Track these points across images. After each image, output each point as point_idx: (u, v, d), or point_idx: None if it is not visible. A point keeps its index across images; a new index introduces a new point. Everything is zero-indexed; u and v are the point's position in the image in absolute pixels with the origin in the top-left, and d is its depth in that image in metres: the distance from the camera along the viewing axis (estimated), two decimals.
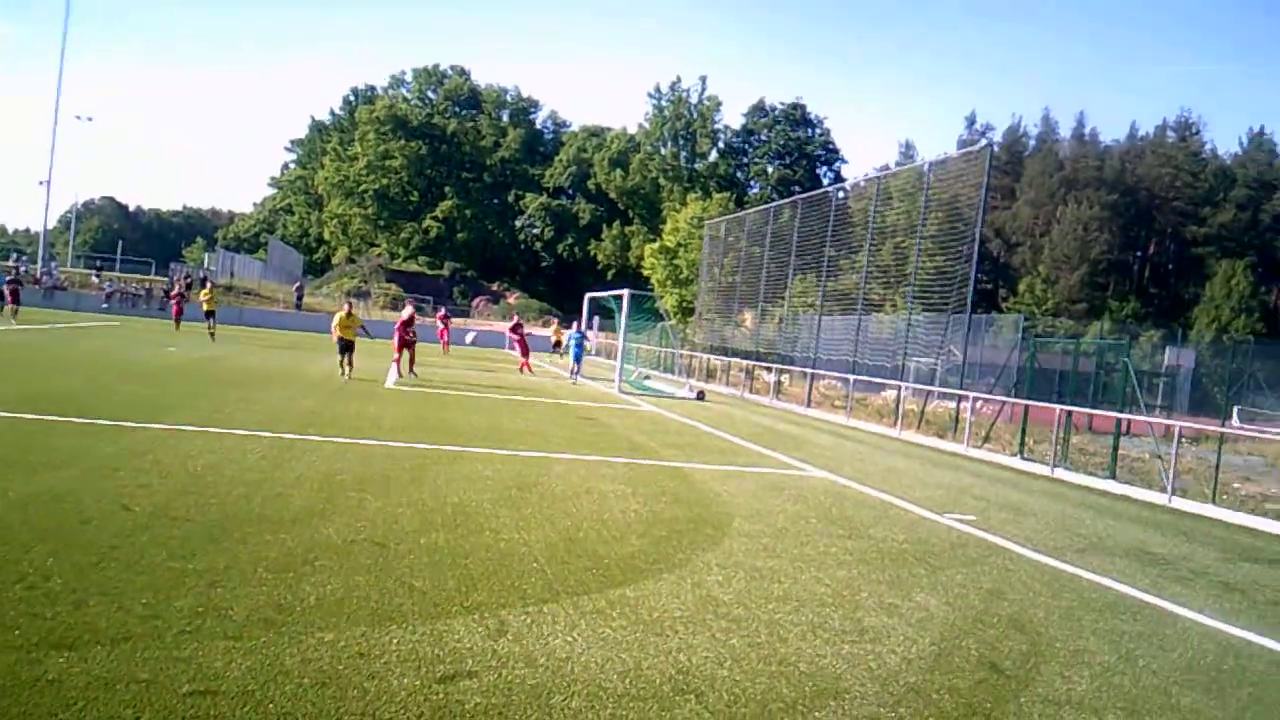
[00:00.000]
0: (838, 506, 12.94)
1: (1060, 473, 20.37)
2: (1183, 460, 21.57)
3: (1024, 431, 23.06)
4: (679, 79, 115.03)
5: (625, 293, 35.50)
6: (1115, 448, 20.51)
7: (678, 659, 6.11)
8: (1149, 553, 11.86)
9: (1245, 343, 69.82)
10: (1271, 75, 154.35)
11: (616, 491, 12.20)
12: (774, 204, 49.55)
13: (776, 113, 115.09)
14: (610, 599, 7.32)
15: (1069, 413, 22.38)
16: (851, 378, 32.99)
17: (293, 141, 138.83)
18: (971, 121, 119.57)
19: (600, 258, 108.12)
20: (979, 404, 26.78)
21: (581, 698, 5.33)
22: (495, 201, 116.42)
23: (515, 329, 40.09)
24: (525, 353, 37.91)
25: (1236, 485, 20.04)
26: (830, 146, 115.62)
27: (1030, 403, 23.41)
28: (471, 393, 25.41)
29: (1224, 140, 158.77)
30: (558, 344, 36.88)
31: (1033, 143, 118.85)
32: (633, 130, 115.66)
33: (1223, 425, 22.58)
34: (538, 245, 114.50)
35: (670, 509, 11.42)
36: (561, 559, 8.39)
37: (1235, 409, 54.42)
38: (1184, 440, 24.09)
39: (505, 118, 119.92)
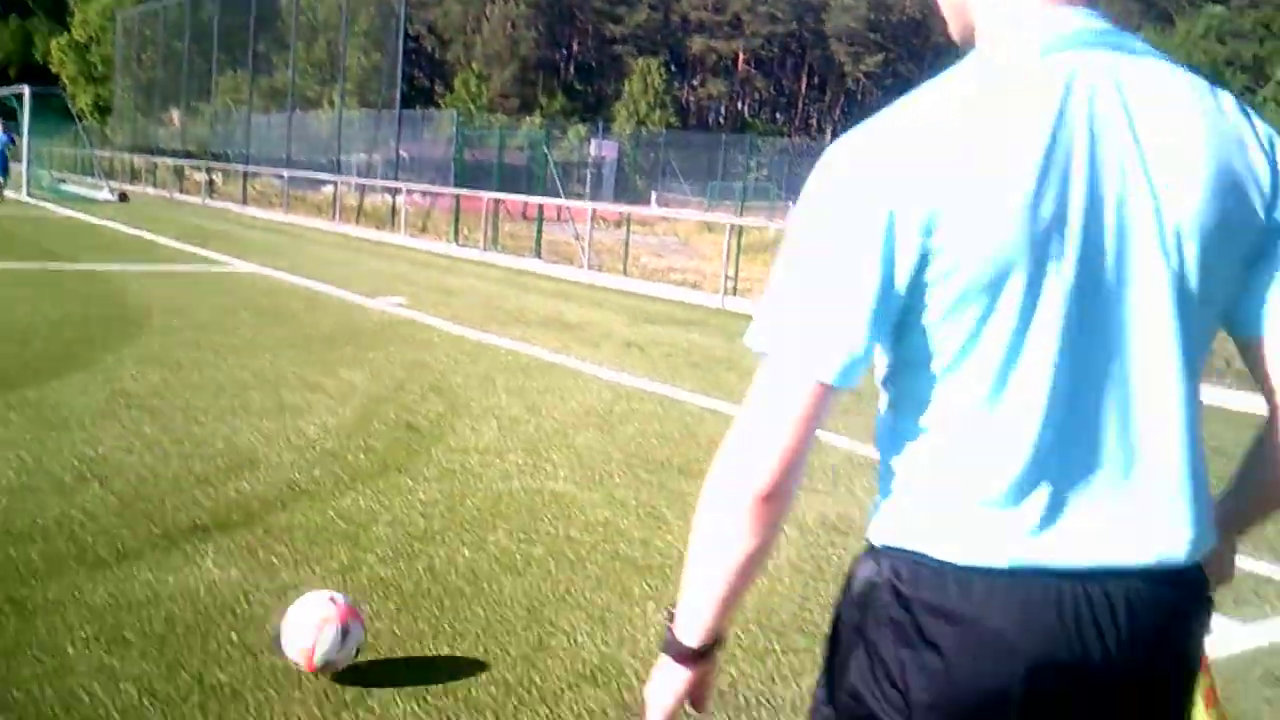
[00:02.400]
0: (268, 298, 12.79)
1: (491, 256, 21.34)
2: (603, 241, 23.34)
3: (457, 219, 23.81)
4: None
5: (25, 89, 31.94)
6: (539, 230, 21.78)
7: (82, 450, 5.88)
8: (563, 321, 12.86)
9: (661, 134, 75.85)
10: None
11: (21, 296, 11.26)
12: None
13: None
14: (9, 401, 6.85)
15: (498, 201, 23.36)
16: (287, 173, 32.13)
17: None
18: None
19: None
20: (416, 196, 27.21)
21: None
22: None
23: None
24: None
25: (646, 259, 22.03)
26: None
27: (462, 192, 24.15)
28: None
29: None
30: None
31: None
32: None
33: (631, 207, 24.59)
34: None
35: (83, 310, 10.76)
36: None
37: (653, 194, 59.36)
38: (606, 223, 26.02)
39: None
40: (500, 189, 25.00)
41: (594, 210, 21.52)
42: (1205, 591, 1.41)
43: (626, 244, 20.23)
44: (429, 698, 3.45)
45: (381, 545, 4.79)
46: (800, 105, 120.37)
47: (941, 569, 1.31)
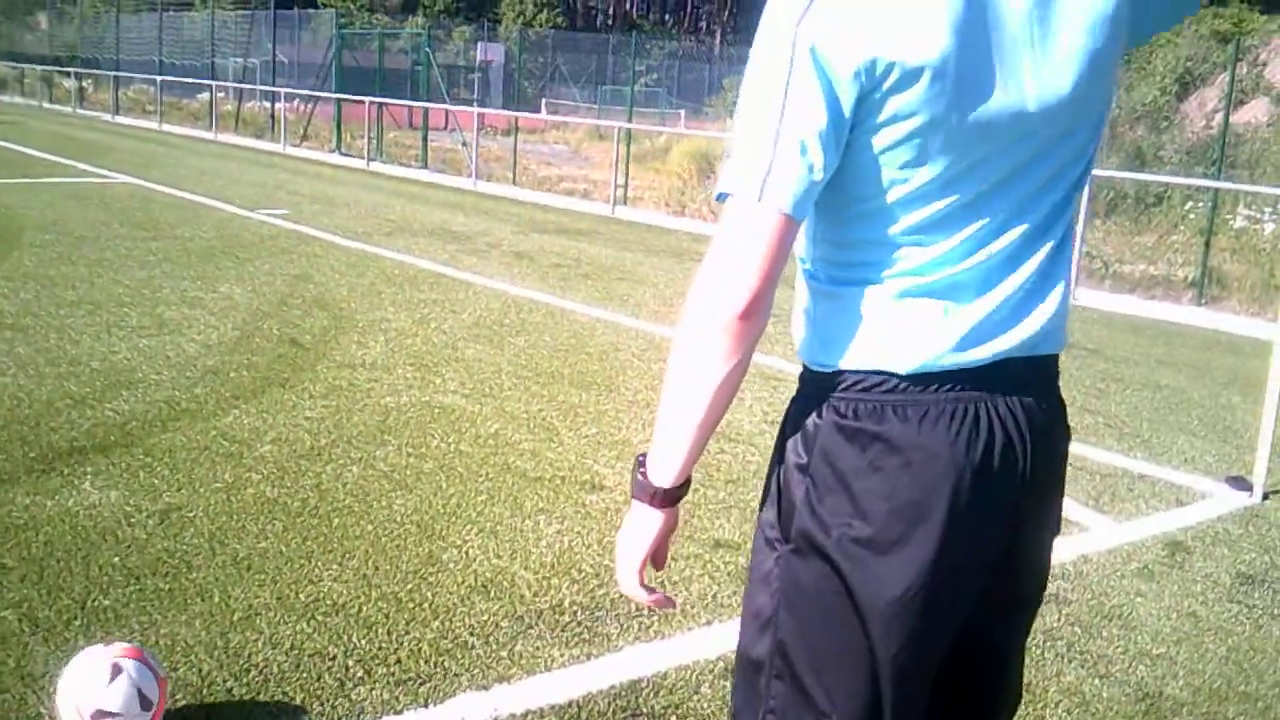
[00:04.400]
0: (143, 210, 12.41)
1: (376, 166, 20.92)
2: (492, 150, 23.01)
3: (339, 127, 23.24)
4: None
5: None
6: (425, 138, 21.37)
7: None
8: (451, 231, 12.70)
9: (549, 35, 74.46)
10: None
11: None
12: None
13: None
14: None
15: (381, 106, 22.81)
16: (159, 79, 30.93)
17: None
18: None
19: None
20: (296, 102, 26.45)
21: None
22: None
23: None
24: None
25: (535, 168, 21.78)
26: None
27: (342, 97, 23.54)
28: None
29: None
30: None
31: None
32: None
33: (519, 113, 24.23)
34: None
35: None
36: None
37: (543, 101, 58.47)
38: (494, 131, 25.61)
39: None
40: (383, 95, 24.37)
41: (481, 116, 21.12)
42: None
43: (515, 152, 19.96)
44: (319, 616, 3.44)
45: (266, 464, 4.72)
46: (689, 5, 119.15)
47: (881, 398, 1.44)
